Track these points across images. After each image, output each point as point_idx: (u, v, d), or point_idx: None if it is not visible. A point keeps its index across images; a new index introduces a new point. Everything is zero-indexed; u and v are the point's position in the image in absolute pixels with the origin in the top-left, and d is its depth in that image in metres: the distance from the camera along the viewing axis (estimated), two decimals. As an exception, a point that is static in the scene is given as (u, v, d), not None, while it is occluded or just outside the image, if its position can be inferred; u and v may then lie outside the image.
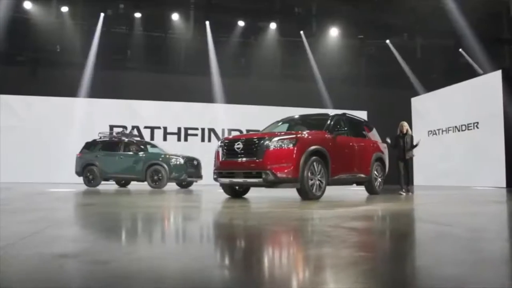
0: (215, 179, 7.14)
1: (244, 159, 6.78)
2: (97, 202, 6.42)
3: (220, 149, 7.19)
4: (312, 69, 20.22)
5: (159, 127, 18.70)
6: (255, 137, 6.89)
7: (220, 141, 7.44)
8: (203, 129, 19.32)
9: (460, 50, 18.86)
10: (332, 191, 9.45)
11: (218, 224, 3.90)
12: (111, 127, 17.86)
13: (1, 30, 15.77)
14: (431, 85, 18.89)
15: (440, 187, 15.00)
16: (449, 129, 17.08)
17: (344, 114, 8.72)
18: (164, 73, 18.64)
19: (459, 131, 16.51)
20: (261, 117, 19.69)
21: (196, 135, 19.18)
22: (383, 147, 9.67)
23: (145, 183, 12.29)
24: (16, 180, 15.50)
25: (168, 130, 18.84)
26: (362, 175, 8.41)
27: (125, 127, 18.12)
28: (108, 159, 12.65)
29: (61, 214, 4.71)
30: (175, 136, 18.85)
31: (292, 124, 8.76)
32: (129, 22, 17.99)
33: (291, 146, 6.63)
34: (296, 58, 20.15)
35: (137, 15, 17.90)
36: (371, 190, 8.87)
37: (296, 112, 19.42)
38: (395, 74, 20.33)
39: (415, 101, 19.39)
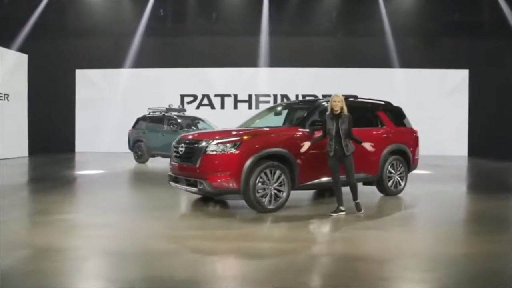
0: (168, 182, 6.50)
1: (185, 163, 6.00)
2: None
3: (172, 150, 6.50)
4: (387, 24, 17.51)
5: (229, 95, 18.35)
6: (194, 139, 6.01)
7: None
8: (275, 96, 18.37)
9: None
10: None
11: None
12: (182, 96, 18.16)
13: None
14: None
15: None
16: None
17: (345, 98, 7.08)
18: (223, 35, 17.74)
19: None
20: (336, 80, 17.93)
21: (268, 102, 18.31)
22: (411, 134, 7.79)
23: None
24: (94, 150, 17.00)
25: (239, 98, 18.36)
26: (363, 175, 6.85)
27: (195, 96, 18.28)
28: (153, 136, 12.85)
29: None
30: (246, 104, 18.32)
31: (288, 113, 7.47)
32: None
33: (232, 150, 5.61)
34: (367, 13, 17.59)
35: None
36: (382, 190, 7.25)
37: (367, 74, 17.50)
38: (498, 23, 16.39)
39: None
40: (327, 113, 5.77)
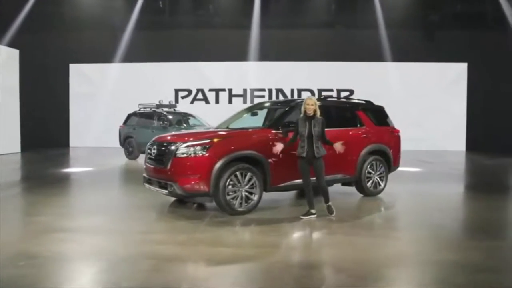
0: (143, 183, 6.47)
1: (157, 166, 5.99)
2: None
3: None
4: (384, 16, 17.30)
5: (224, 89, 18.26)
6: (165, 141, 5.99)
7: None
8: (270, 90, 18.28)
9: None
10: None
11: None
12: (176, 91, 18.11)
13: None
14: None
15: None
16: None
17: (323, 98, 7.04)
18: (218, 29, 17.49)
19: None
20: (332, 74, 17.80)
21: (263, 96, 18.25)
22: (392, 134, 7.69)
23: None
24: (89, 145, 17.01)
25: (233, 92, 18.28)
26: (340, 176, 6.80)
27: (189, 91, 18.21)
28: (143, 132, 12.78)
29: None
30: (241, 98, 18.22)
31: (267, 113, 7.38)
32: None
33: (202, 153, 5.58)
34: (363, 5, 17.39)
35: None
36: (361, 191, 7.20)
37: (364, 68, 17.34)
38: (498, 16, 16.15)
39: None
40: (301, 115, 5.69)
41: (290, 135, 5.93)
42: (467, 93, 17.85)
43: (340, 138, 6.72)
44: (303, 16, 17.73)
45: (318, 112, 5.54)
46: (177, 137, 6.09)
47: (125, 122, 13.68)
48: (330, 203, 5.74)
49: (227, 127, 7.09)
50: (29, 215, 5.81)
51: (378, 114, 7.64)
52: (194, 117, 13.38)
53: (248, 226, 5.37)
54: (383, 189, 7.33)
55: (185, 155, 5.61)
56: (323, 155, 5.56)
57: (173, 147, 5.72)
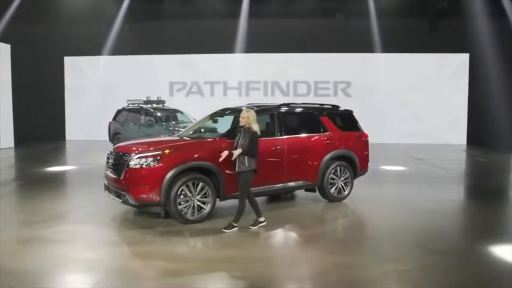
0: (104, 190, 6.58)
1: (113, 175, 6.08)
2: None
3: (107, 158, 6.58)
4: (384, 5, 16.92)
5: (219, 82, 18.24)
6: (120, 151, 6.09)
7: None
8: (265, 83, 18.21)
9: None
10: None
11: None
12: (171, 83, 18.16)
13: None
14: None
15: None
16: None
17: (284, 105, 7.00)
18: (213, 19, 17.35)
19: None
20: (330, 65, 17.59)
21: (258, 89, 18.22)
22: (359, 139, 7.61)
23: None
24: (85, 138, 17.20)
25: (228, 85, 18.25)
26: (301, 182, 6.82)
27: (184, 84, 18.24)
28: (130, 129, 12.96)
29: None
30: (236, 91, 18.20)
31: (233, 120, 7.33)
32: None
33: (153, 164, 5.66)
34: None
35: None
36: (325, 196, 7.19)
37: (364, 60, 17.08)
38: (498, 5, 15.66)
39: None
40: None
41: (245, 144, 5.95)
42: (468, 85, 17.50)
43: (300, 145, 6.80)
44: (299, 6, 17.53)
45: (254, 126, 5.48)
46: (132, 147, 6.15)
47: (114, 118, 13.83)
48: (235, 224, 5.54)
49: (193, 132, 7.14)
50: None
51: (344, 119, 7.57)
52: (182, 113, 13.44)
53: (196, 236, 5.43)
54: (348, 194, 7.29)
55: (137, 166, 5.69)
56: (249, 170, 5.47)
57: (126, 158, 5.81)
